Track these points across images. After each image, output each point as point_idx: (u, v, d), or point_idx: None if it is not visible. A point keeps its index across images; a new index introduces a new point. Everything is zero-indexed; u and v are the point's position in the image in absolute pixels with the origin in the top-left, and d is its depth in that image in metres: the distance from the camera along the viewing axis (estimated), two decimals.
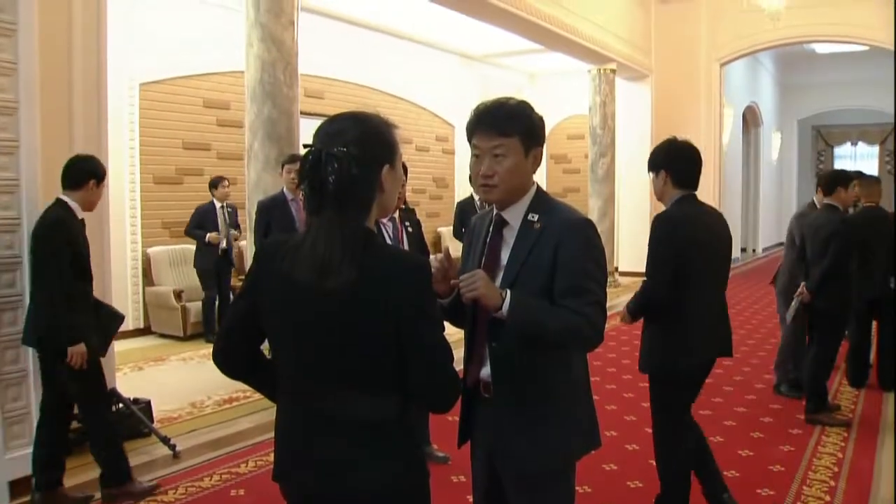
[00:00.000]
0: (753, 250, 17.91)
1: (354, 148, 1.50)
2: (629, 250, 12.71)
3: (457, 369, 1.60)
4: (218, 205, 7.31)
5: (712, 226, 3.07)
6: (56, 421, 3.59)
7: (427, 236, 10.57)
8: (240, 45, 5.52)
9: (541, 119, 1.97)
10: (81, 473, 3.80)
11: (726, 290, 3.25)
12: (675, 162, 3.04)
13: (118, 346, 4.76)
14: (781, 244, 18.65)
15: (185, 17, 7.78)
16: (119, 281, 6.57)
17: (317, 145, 1.53)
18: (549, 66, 12.74)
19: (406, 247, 3.79)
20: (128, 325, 7.30)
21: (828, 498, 3.66)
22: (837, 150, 21.15)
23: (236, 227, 7.43)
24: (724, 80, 13.14)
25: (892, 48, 6.65)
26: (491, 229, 2.02)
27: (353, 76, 10.11)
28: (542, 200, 1.97)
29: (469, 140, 1.96)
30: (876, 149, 20.55)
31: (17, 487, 3.56)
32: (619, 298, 10.21)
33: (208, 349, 6.36)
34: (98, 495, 3.64)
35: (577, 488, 2.08)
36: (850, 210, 5.47)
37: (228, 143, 8.18)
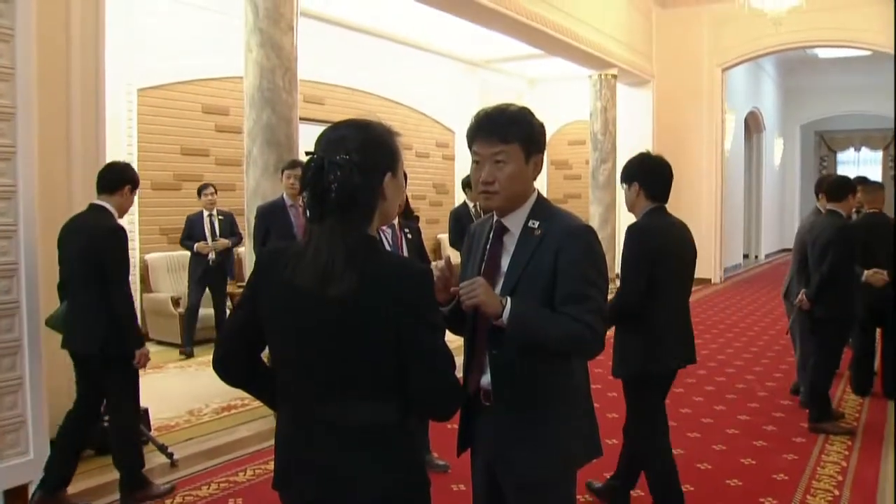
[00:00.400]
0: (756, 256, 17.92)
1: (357, 156, 1.51)
2: None
3: (458, 377, 1.61)
4: (205, 213, 7.17)
5: (680, 237, 3.23)
6: (85, 425, 3.73)
7: (427, 243, 10.57)
8: (239, 51, 5.54)
9: (541, 125, 1.98)
10: (69, 485, 3.79)
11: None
12: (649, 175, 3.18)
13: None
14: (784, 251, 18.71)
15: (183, 22, 7.80)
16: None
17: (319, 152, 1.54)
18: (549, 71, 12.77)
19: (405, 254, 3.80)
20: None
21: None
22: (840, 156, 21.17)
23: (232, 235, 7.26)
24: (726, 86, 13.17)
25: (894, 52, 6.67)
26: (491, 236, 2.02)
27: (353, 82, 10.14)
28: (543, 207, 1.98)
29: (469, 146, 1.97)
30: (879, 154, 20.58)
31: (11, 497, 3.55)
32: None
33: (206, 357, 6.36)
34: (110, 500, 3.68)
35: (577, 497, 2.08)
36: (853, 216, 5.46)
37: (227, 149, 8.20)
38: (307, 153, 1.56)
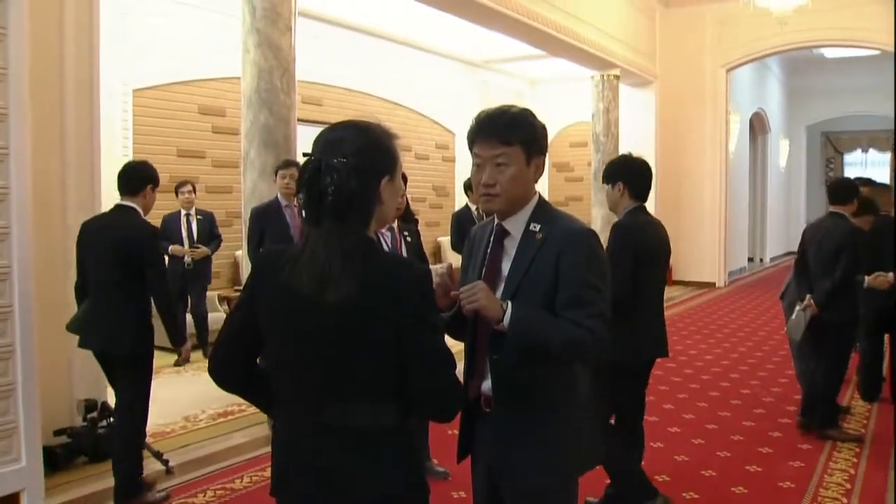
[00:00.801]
0: (761, 259, 17.91)
1: (354, 159, 1.52)
2: None
3: (458, 377, 1.62)
4: (183, 213, 6.85)
5: (658, 235, 3.43)
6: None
7: (427, 246, 10.51)
8: (236, 51, 5.54)
9: (543, 127, 1.97)
10: (62, 493, 3.78)
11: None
12: (635, 176, 3.38)
13: None
14: (790, 254, 18.71)
15: (179, 22, 7.81)
16: None
17: (316, 154, 1.54)
18: (550, 72, 12.78)
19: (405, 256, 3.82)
20: None
21: None
22: (847, 158, 21.16)
23: (212, 237, 6.94)
24: (731, 86, 13.18)
25: (894, 53, 6.66)
26: (491, 240, 2.02)
27: (352, 83, 10.14)
28: (544, 210, 1.98)
29: (470, 148, 1.97)
30: (887, 156, 20.55)
31: None
32: None
33: (203, 362, 6.35)
34: None
35: None
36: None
37: (224, 150, 8.20)
38: (304, 154, 1.57)
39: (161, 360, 6.98)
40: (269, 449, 1.68)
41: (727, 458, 4.41)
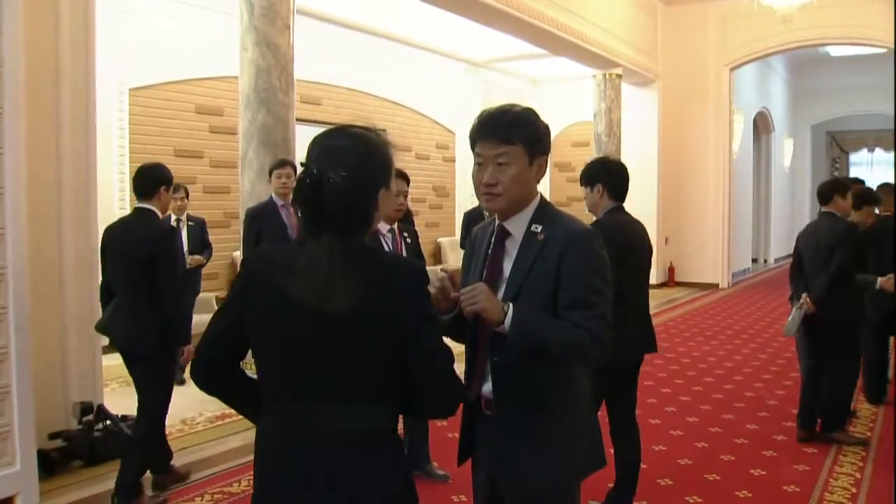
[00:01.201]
0: (765, 260, 17.91)
1: (354, 173, 1.53)
2: None
3: (458, 374, 1.65)
4: (173, 218, 6.31)
5: (639, 234, 3.53)
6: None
7: (427, 247, 10.54)
8: (234, 50, 5.55)
9: (546, 127, 1.98)
10: (57, 497, 3.78)
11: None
12: (612, 177, 3.50)
13: (106, 360, 4.76)
14: None
15: (176, 20, 7.81)
16: None
17: (313, 164, 1.54)
18: (552, 71, 12.79)
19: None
20: None
21: None
22: (853, 157, 21.14)
23: (202, 245, 6.51)
24: (734, 85, 13.18)
25: (894, 52, 6.66)
26: (493, 240, 2.02)
27: (351, 82, 10.15)
28: (546, 211, 1.98)
29: (472, 148, 1.97)
30: (893, 155, 20.56)
31: None
32: None
33: None
34: None
35: None
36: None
37: (222, 150, 8.20)
38: (301, 164, 1.57)
39: None
40: None
41: (731, 462, 4.41)
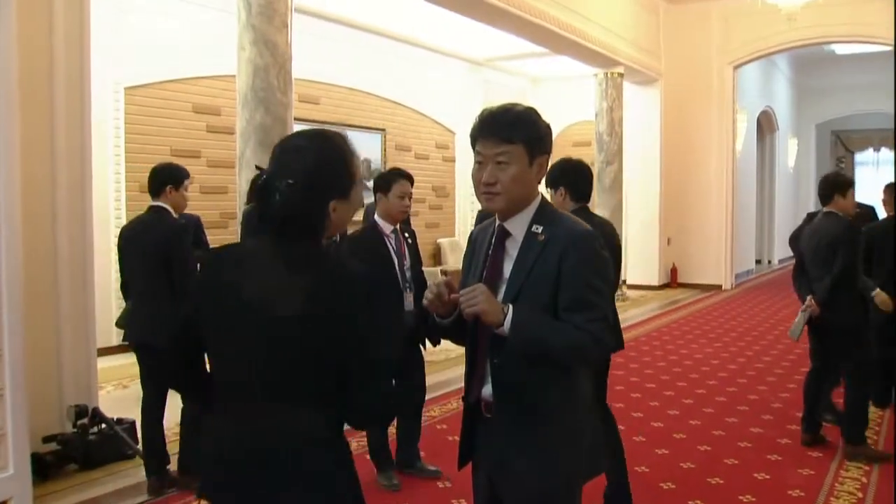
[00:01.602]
0: (769, 261, 17.90)
1: (305, 178, 1.58)
2: (638, 263, 12.73)
3: (394, 385, 1.71)
4: None
5: (607, 233, 3.45)
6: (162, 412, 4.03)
7: (427, 248, 10.55)
8: (231, 48, 5.54)
9: (548, 126, 1.98)
10: (51, 502, 3.77)
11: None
12: (572, 179, 3.50)
13: (101, 362, 4.76)
14: None
15: (173, 18, 7.81)
16: (103, 293, 6.55)
17: (269, 167, 1.62)
18: (553, 70, 12.79)
19: (407, 258, 3.97)
20: (111, 340, 7.29)
21: None
22: (858, 157, 21.13)
23: (197, 245, 6.30)
24: (738, 84, 13.18)
25: (894, 50, 6.64)
26: (493, 241, 2.02)
27: (350, 81, 10.14)
28: (547, 211, 1.98)
29: (473, 146, 1.97)
30: (893, 155, 20.55)
31: None
32: (627, 313, 10.21)
33: None
34: None
35: None
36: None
37: (219, 150, 8.19)
38: (257, 167, 1.65)
39: None
40: None
41: (734, 466, 4.40)
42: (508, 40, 9.89)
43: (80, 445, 4.15)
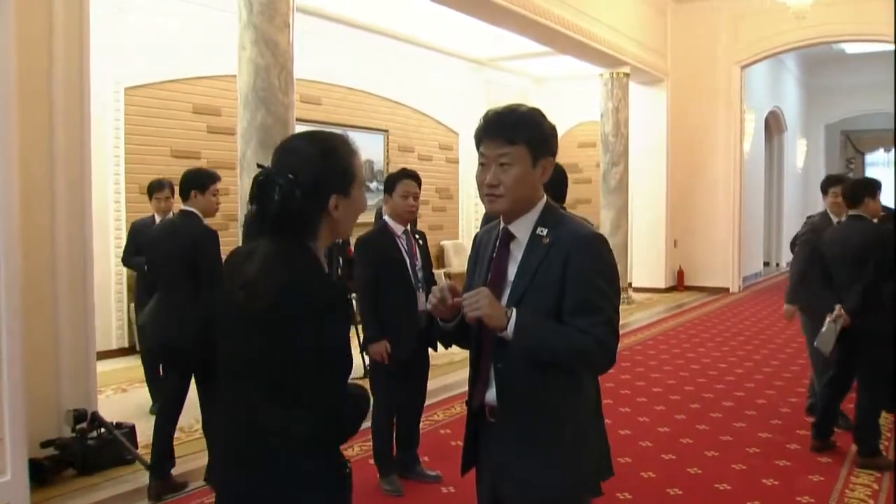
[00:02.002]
0: (777, 264, 17.86)
1: (302, 175, 1.61)
2: (644, 265, 12.72)
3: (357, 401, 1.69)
4: (157, 219, 5.57)
5: None
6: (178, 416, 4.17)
7: (430, 250, 10.53)
8: (232, 48, 5.55)
9: (552, 127, 1.98)
10: None
11: None
12: (550, 179, 3.56)
13: (100, 366, 4.77)
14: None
15: (173, 17, 7.83)
16: (102, 296, 6.57)
17: (269, 166, 1.66)
18: (557, 69, 12.78)
19: (419, 260, 4.03)
20: (111, 343, 7.31)
21: None
22: (869, 157, 21.06)
23: None
24: (745, 84, 13.16)
25: (894, 49, 6.62)
26: (497, 244, 2.02)
27: (352, 81, 10.15)
28: (552, 214, 1.98)
29: (477, 147, 1.98)
30: (893, 155, 20.46)
31: None
32: (632, 316, 10.20)
33: None
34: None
35: None
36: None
37: (220, 151, 8.20)
38: (259, 166, 1.67)
39: None
40: None
41: (742, 471, 4.39)
42: (512, 39, 9.89)
43: (78, 450, 4.16)
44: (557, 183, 3.54)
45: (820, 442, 4.70)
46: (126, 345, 7.60)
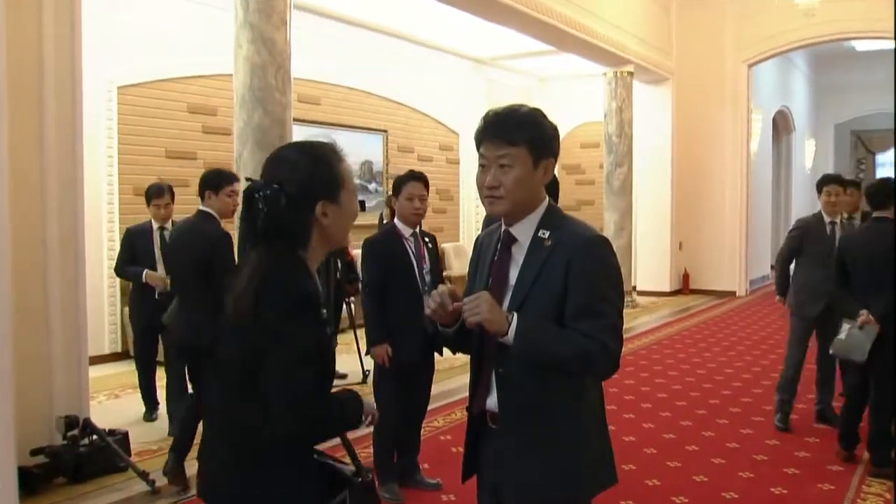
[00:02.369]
0: None
1: (288, 185, 1.67)
2: (648, 268, 12.71)
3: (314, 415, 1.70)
4: (155, 226, 5.44)
5: None
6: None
7: None
8: (228, 47, 5.55)
9: (554, 128, 1.98)
10: None
11: None
12: None
13: (93, 371, 4.76)
14: None
15: (168, 15, 7.83)
16: (95, 300, 6.57)
17: (262, 175, 1.73)
18: (560, 68, 12.80)
19: (427, 263, 4.04)
20: (104, 349, 7.30)
21: None
22: (879, 158, 20.98)
23: None
24: (752, 83, 13.16)
25: (894, 48, 6.60)
26: (498, 247, 2.01)
27: (351, 80, 10.15)
28: (554, 216, 1.98)
29: (477, 148, 1.98)
30: (893, 154, 20.41)
31: None
32: (637, 320, 10.19)
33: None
34: None
35: None
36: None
37: (215, 151, 8.20)
38: (247, 179, 1.77)
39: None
40: None
41: (750, 479, 4.37)
42: (514, 38, 9.89)
43: (69, 458, 4.14)
44: (549, 188, 3.59)
45: (847, 452, 4.62)
46: (119, 349, 7.59)
